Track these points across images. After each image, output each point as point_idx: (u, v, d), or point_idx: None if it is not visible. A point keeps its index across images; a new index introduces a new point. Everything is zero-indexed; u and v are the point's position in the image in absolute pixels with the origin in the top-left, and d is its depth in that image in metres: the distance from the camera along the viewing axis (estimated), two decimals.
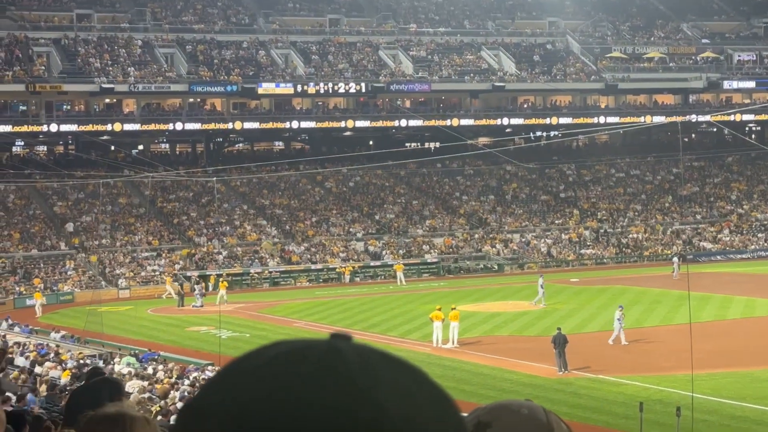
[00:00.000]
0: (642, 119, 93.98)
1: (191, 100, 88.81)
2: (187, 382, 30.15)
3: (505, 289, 65.32)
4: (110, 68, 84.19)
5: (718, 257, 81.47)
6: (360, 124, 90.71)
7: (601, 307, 54.73)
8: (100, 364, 35.08)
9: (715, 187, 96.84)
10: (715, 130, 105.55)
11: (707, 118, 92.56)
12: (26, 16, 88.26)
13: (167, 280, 69.92)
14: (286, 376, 1.33)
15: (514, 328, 48.50)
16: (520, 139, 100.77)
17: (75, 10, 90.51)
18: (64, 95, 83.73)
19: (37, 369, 32.00)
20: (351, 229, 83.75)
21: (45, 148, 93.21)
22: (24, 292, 67.63)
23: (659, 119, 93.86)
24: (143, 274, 73.37)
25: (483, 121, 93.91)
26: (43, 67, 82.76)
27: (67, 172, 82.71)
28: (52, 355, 35.88)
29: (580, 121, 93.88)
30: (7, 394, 20.53)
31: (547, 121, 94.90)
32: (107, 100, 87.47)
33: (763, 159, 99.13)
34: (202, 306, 61.20)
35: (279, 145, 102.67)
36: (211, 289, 67.60)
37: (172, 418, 22.91)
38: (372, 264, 77.91)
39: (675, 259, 71.01)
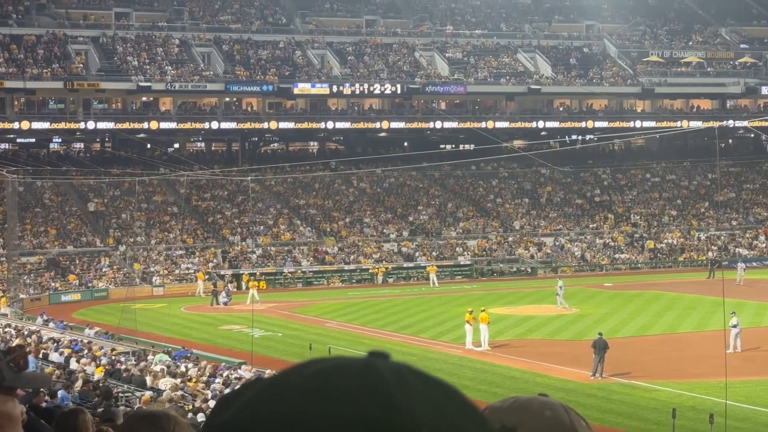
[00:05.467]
0: (678, 124, 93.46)
1: (227, 99, 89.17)
2: (219, 380, 30.28)
3: (538, 293, 65.02)
4: (147, 66, 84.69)
5: (754, 264, 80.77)
6: (395, 125, 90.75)
7: (634, 312, 54.48)
8: (133, 360, 35.30)
9: (752, 194, 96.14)
10: (752, 135, 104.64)
11: (745, 123, 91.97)
12: (65, 14, 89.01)
13: (199, 276, 70.39)
14: (324, 394, 1.35)
15: (546, 332, 48.35)
16: (555, 142, 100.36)
17: (114, 9, 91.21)
18: (102, 93, 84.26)
19: (73, 365, 32.23)
20: (384, 230, 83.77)
21: (82, 146, 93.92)
22: (59, 288, 68.20)
23: (696, 124, 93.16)
24: (177, 272, 73.75)
25: (518, 124, 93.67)
26: (81, 65, 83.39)
27: (104, 169, 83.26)
28: (86, 351, 36.12)
29: (616, 125, 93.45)
30: (41, 390, 20.63)
31: (583, 124, 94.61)
32: (144, 99, 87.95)
33: None
34: (227, 302, 61.97)
35: (314, 145, 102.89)
36: (244, 288, 67.82)
37: (200, 417, 22.97)
38: (405, 265, 77.88)
39: (740, 264, 70.33)
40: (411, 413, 1.35)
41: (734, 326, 40.53)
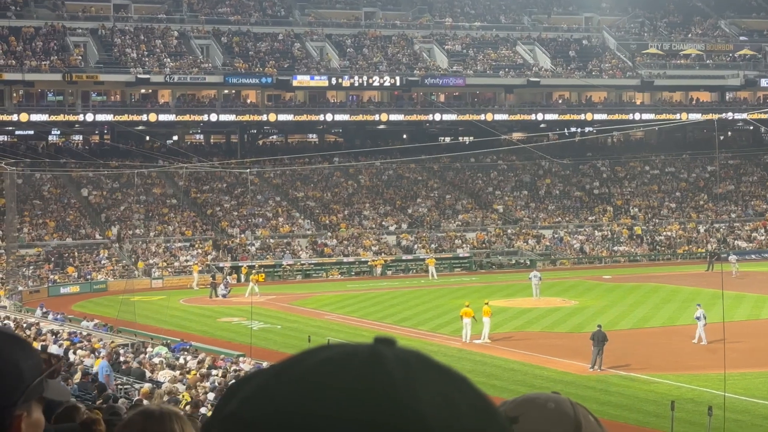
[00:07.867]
0: (678, 116, 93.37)
1: (226, 91, 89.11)
2: (218, 372, 30.28)
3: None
4: (146, 59, 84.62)
5: (753, 256, 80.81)
6: (394, 117, 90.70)
7: (633, 304, 54.50)
8: (132, 353, 35.30)
9: (751, 186, 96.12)
10: (751, 128, 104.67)
11: (744, 115, 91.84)
12: (64, 6, 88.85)
13: (194, 268, 70.37)
14: (327, 387, 1.31)
15: (545, 324, 48.36)
16: (554, 134, 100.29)
17: (112, 1, 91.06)
18: (101, 85, 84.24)
19: (72, 357, 32.21)
20: (383, 223, 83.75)
21: (81, 138, 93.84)
22: (58, 281, 68.18)
23: (695, 116, 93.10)
24: (176, 264, 73.72)
25: (517, 116, 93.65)
26: (80, 57, 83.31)
27: (103, 161, 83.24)
28: (85, 343, 36.10)
29: (615, 117, 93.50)
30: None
31: (582, 117, 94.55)
32: (143, 91, 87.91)
33: None
34: (225, 295, 62.07)
35: (313, 137, 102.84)
36: (243, 280, 67.84)
37: (203, 410, 22.97)
38: (404, 258, 77.88)
39: (732, 257, 70.13)
40: (417, 411, 1.29)
41: (698, 318, 40.95)
